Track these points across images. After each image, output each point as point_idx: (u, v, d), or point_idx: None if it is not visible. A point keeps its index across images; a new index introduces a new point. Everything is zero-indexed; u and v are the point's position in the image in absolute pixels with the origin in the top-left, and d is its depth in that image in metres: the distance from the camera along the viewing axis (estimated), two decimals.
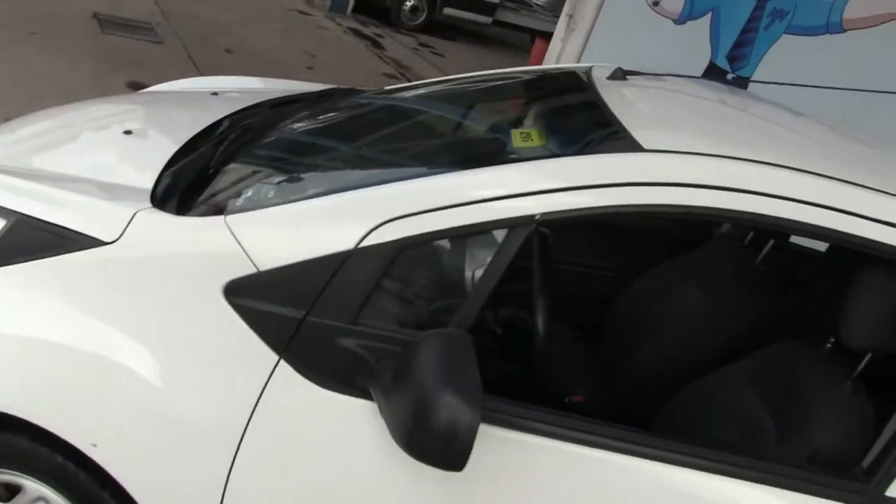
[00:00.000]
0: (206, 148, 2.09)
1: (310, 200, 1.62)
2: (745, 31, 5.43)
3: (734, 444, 1.83)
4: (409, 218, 1.52)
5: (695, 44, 5.56)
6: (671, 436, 1.61)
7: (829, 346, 1.79)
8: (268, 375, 1.53)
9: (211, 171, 1.94)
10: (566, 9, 7.03)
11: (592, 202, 1.52)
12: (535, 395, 1.87)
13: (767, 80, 4.89)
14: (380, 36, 10.96)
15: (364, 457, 1.53)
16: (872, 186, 1.61)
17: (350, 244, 1.52)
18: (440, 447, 1.34)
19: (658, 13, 6.09)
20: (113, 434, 1.58)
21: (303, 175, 1.91)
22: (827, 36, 4.79)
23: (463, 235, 1.52)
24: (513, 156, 1.77)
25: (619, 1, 6.36)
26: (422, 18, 12.07)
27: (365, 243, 1.51)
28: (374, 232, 1.51)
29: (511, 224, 1.51)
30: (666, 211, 1.54)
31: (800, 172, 1.60)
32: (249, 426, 1.54)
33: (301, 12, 10.93)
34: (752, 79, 5.22)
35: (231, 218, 1.61)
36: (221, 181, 1.88)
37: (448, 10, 12.21)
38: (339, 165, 1.94)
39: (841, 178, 1.61)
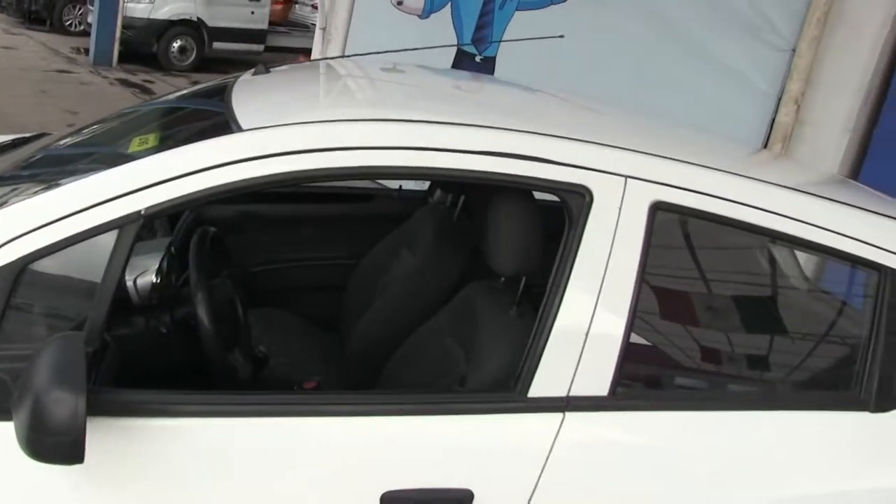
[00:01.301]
0: None
1: None
2: (482, 14, 5.70)
3: (445, 387, 1.93)
4: (24, 237, 1.52)
5: (443, 34, 5.75)
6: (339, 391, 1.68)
7: (502, 279, 1.92)
8: None
9: None
10: (319, 23, 7.12)
11: (194, 187, 1.57)
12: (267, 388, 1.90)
13: (507, 39, 5.18)
14: (149, 82, 10.66)
15: (29, 478, 1.51)
16: (477, 123, 1.76)
17: None
18: (56, 442, 1.35)
19: (403, 11, 6.28)
20: None
21: None
22: (552, 7, 5.12)
23: (79, 242, 1.53)
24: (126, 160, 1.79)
25: (367, 7, 6.51)
26: (192, 58, 11.85)
27: None
28: None
29: (120, 224, 1.54)
30: (270, 181, 1.60)
31: (387, 122, 1.74)
32: None
33: (61, 71, 10.47)
34: (497, 54, 5.49)
35: None
36: None
37: (218, 45, 12.05)
38: None
39: (436, 120, 1.75)
